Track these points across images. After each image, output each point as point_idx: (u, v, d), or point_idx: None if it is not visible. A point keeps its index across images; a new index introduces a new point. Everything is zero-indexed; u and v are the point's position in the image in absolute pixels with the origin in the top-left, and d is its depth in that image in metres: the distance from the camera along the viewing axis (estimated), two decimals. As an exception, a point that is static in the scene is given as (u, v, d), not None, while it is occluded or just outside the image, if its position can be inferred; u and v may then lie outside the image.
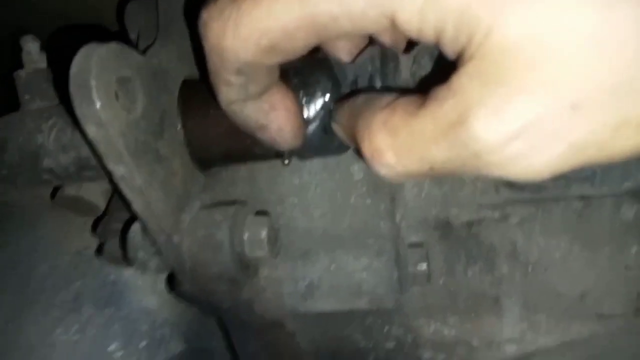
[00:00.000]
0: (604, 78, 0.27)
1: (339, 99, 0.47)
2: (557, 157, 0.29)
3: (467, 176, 0.57)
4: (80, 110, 0.37)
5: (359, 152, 0.38)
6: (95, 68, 0.37)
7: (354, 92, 0.48)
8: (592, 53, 0.27)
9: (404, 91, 0.38)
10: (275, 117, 0.44)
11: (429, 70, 0.48)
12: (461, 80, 0.30)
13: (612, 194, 0.55)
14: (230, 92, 0.40)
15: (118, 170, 0.41)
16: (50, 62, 0.59)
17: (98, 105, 0.37)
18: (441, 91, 0.31)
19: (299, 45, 0.35)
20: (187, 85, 0.51)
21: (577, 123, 0.28)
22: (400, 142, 0.33)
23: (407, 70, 0.49)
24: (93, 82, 0.37)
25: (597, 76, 0.27)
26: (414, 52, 0.50)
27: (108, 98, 0.38)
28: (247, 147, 0.51)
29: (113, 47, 0.40)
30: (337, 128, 0.46)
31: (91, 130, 0.38)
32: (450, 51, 0.32)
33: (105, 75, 0.38)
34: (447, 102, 0.30)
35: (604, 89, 0.27)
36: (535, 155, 0.29)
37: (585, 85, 0.27)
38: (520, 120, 0.28)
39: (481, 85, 0.29)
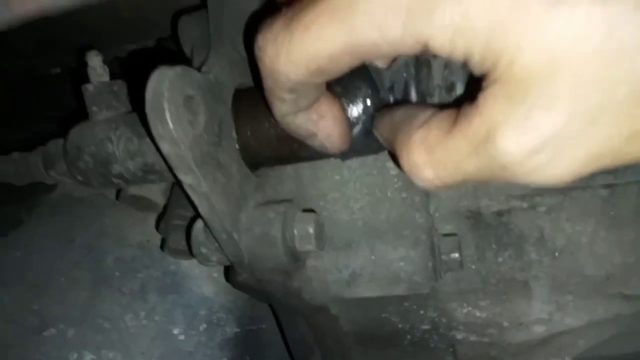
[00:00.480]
0: (617, 91, 0.30)
1: (379, 109, 0.52)
2: (577, 165, 0.33)
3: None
4: (155, 130, 0.43)
5: (395, 160, 0.43)
6: (167, 92, 0.43)
7: (394, 104, 0.52)
8: (603, 67, 0.30)
9: (439, 106, 0.42)
10: (324, 125, 0.48)
11: (460, 74, 0.51)
12: (487, 100, 0.34)
13: (636, 181, 0.58)
14: (283, 107, 0.45)
15: (187, 179, 0.47)
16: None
17: (171, 125, 0.43)
18: (470, 110, 0.35)
19: (343, 67, 0.40)
20: (238, 95, 0.56)
21: (594, 134, 0.31)
22: (436, 159, 0.37)
23: (440, 75, 0.52)
24: (166, 105, 0.42)
25: (610, 89, 0.30)
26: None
27: (179, 118, 0.44)
28: (295, 151, 0.56)
29: (179, 70, 0.45)
30: (378, 135, 0.51)
31: (165, 147, 0.44)
32: (477, 71, 0.35)
33: (175, 97, 0.44)
34: (476, 120, 0.34)
35: (617, 102, 0.30)
36: (557, 165, 0.33)
37: (600, 98, 0.30)
38: (542, 135, 0.32)
39: (505, 104, 0.32)
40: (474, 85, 0.36)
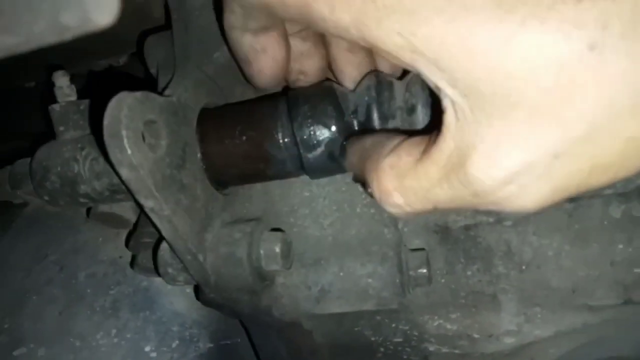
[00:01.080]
0: (575, 127, 0.31)
1: (346, 134, 0.52)
2: (544, 198, 0.34)
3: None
4: (114, 156, 0.43)
5: (365, 188, 0.43)
6: (125, 118, 0.43)
7: (358, 128, 0.53)
8: (559, 103, 0.30)
9: (408, 133, 0.42)
10: (261, 58, 0.49)
11: (421, 97, 0.52)
12: (455, 125, 0.34)
13: (599, 195, 0.59)
14: (231, 17, 0.46)
15: (148, 203, 0.47)
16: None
17: (129, 151, 0.42)
18: (440, 137, 0.35)
19: (289, 17, 0.40)
20: (204, 114, 0.56)
21: (558, 169, 0.32)
22: (406, 185, 0.38)
23: (401, 98, 0.53)
24: (124, 132, 0.42)
25: (568, 125, 0.31)
26: (406, 80, 0.54)
27: (137, 143, 0.44)
28: (261, 170, 0.56)
29: (139, 96, 0.45)
30: (347, 164, 0.51)
31: (124, 173, 0.44)
32: (430, 85, 0.35)
33: (134, 123, 0.44)
34: (446, 147, 0.35)
35: (576, 138, 0.31)
36: (525, 196, 0.34)
37: (563, 135, 0.31)
38: (512, 167, 0.32)
39: (474, 132, 0.33)
40: (438, 109, 0.36)
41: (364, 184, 0.43)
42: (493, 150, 0.32)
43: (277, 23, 0.46)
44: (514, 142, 0.32)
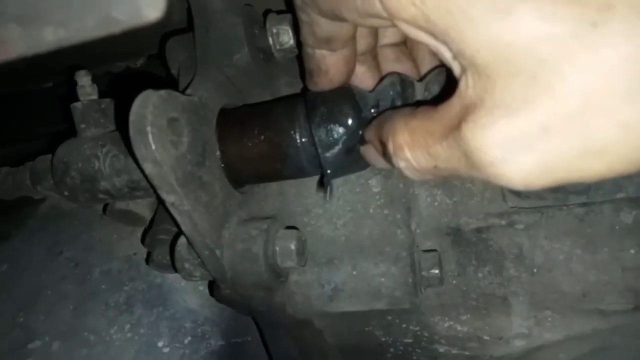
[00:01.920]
0: (569, 102, 0.31)
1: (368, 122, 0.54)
2: (528, 171, 0.34)
3: (463, 179, 0.63)
4: (139, 152, 0.44)
5: (385, 155, 0.44)
6: (150, 115, 0.44)
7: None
8: (556, 77, 0.30)
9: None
10: (322, 77, 0.52)
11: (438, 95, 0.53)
12: (461, 91, 0.36)
13: (610, 200, 0.60)
14: (305, 34, 0.49)
15: (169, 198, 0.48)
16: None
17: (154, 147, 0.44)
18: (448, 101, 0.37)
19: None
20: (223, 115, 0.57)
21: (547, 144, 0.32)
22: (415, 140, 0.40)
23: (421, 96, 0.54)
24: (149, 128, 0.44)
25: (563, 100, 0.31)
26: (426, 81, 0.55)
27: (161, 140, 0.45)
28: (277, 169, 0.57)
29: (163, 93, 0.47)
30: (363, 148, 0.52)
31: (148, 168, 0.45)
32: (444, 59, 0.37)
33: (158, 120, 0.45)
34: (451, 108, 0.37)
35: (569, 113, 0.31)
36: (509, 165, 0.34)
37: (553, 109, 0.31)
38: (499, 133, 0.33)
39: (474, 98, 0.34)
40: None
41: (383, 149, 0.45)
42: (486, 115, 0.33)
43: (346, 43, 0.49)
44: (506, 109, 0.32)
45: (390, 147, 0.42)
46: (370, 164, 0.55)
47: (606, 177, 0.33)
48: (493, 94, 0.33)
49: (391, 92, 0.54)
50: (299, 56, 0.57)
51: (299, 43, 0.53)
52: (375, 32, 0.52)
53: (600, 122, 0.30)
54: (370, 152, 0.52)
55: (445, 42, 0.35)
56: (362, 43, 0.51)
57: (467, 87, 0.35)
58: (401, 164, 0.42)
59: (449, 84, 0.41)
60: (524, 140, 0.32)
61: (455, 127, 0.35)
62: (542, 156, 0.33)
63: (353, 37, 0.49)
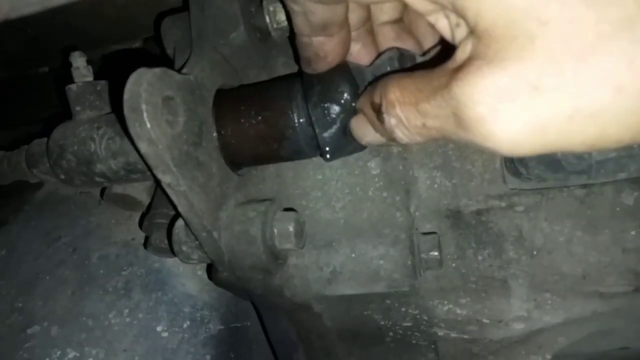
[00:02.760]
0: (564, 66, 0.30)
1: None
2: (516, 129, 0.33)
3: (460, 154, 0.63)
4: (133, 130, 0.44)
5: (378, 117, 0.44)
6: (144, 93, 0.43)
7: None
8: (555, 39, 0.30)
9: None
10: (321, 62, 0.52)
11: None
12: (456, 55, 0.36)
13: (612, 182, 0.59)
14: (299, 23, 0.48)
15: (165, 178, 0.47)
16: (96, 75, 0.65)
17: (149, 125, 0.43)
18: (442, 64, 0.38)
19: None
20: (220, 95, 0.57)
21: (536, 102, 0.32)
22: (405, 96, 0.40)
23: None
24: (143, 106, 0.43)
25: (557, 62, 0.31)
26: (428, 55, 0.54)
27: (156, 118, 0.44)
28: (275, 150, 0.56)
29: (157, 71, 0.46)
30: (353, 121, 0.52)
31: (143, 147, 0.45)
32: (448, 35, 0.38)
33: (153, 98, 0.44)
34: (444, 70, 0.37)
35: (562, 74, 0.31)
36: (496, 122, 0.33)
37: (548, 67, 0.31)
38: (486, 88, 0.33)
39: (467, 59, 0.35)
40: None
41: (376, 112, 0.45)
42: (475, 71, 0.34)
43: (342, 26, 0.49)
44: (497, 67, 0.32)
45: (384, 104, 0.42)
46: (359, 140, 0.53)
47: (600, 146, 0.33)
48: (486, 54, 0.33)
49: (388, 68, 0.53)
50: (292, 43, 0.56)
51: (292, 32, 0.52)
52: (366, 6, 0.51)
53: (594, 84, 0.30)
54: (359, 124, 0.51)
55: (447, 7, 0.35)
56: (354, 18, 0.50)
57: (464, 52, 0.35)
58: (392, 122, 0.42)
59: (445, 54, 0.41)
60: (513, 96, 0.32)
61: (445, 86, 0.36)
62: (531, 115, 0.32)
63: (347, 18, 0.49)
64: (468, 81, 0.34)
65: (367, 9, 0.52)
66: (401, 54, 0.53)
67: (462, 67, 0.35)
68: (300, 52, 0.53)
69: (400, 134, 0.42)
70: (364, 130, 0.50)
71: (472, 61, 0.34)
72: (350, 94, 0.52)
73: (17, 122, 1.03)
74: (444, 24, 0.38)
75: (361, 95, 0.51)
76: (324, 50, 0.51)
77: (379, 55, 0.55)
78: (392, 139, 0.45)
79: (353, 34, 0.52)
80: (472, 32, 0.34)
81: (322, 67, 0.53)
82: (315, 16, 0.46)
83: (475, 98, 0.34)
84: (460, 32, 0.36)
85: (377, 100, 0.44)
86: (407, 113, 0.40)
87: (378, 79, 0.52)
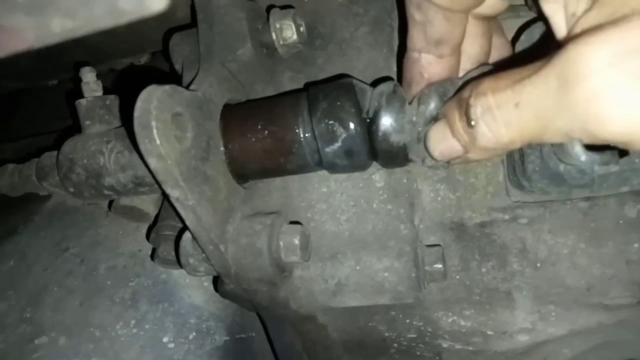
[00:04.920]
0: None
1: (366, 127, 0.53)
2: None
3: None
4: (143, 146, 0.45)
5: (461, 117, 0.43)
6: (155, 110, 0.44)
7: (369, 123, 0.54)
8: None
9: None
10: (420, 82, 0.51)
11: (432, 109, 0.51)
12: (571, 30, 0.34)
13: (615, 194, 0.59)
14: (414, 37, 0.49)
15: (174, 193, 0.48)
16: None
17: (158, 142, 0.44)
18: (547, 64, 0.34)
19: None
20: (227, 110, 0.58)
21: None
22: (501, 81, 0.38)
23: (414, 110, 0.52)
24: (154, 123, 0.44)
25: None
26: (419, 94, 0.53)
27: (165, 134, 0.45)
28: (281, 164, 0.57)
29: (167, 89, 0.47)
30: (434, 128, 0.49)
31: (152, 162, 0.45)
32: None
33: (163, 114, 0.45)
34: (546, 59, 0.34)
35: None
36: (613, 96, 0.29)
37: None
38: (609, 48, 0.29)
39: (585, 29, 0.32)
40: None
41: (463, 109, 0.42)
42: (596, 32, 0.30)
43: (455, 50, 0.49)
44: (622, 25, 0.29)
45: (472, 96, 0.40)
46: (432, 152, 0.51)
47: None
48: (614, 13, 0.30)
49: (375, 103, 0.53)
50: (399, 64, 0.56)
51: (400, 51, 0.52)
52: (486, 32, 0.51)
53: None
54: (437, 131, 0.48)
55: None
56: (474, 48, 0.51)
57: (581, 25, 0.32)
58: (478, 111, 0.40)
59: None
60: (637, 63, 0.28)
61: (552, 58, 0.32)
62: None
63: (461, 43, 0.48)
64: (586, 41, 0.30)
65: (487, 39, 0.51)
66: (394, 90, 0.54)
67: (580, 34, 0.32)
68: (405, 72, 0.52)
69: (484, 128, 0.40)
70: (440, 136, 0.48)
71: (592, 28, 0.31)
72: (352, 115, 0.53)
73: (27, 134, 1.04)
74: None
75: (448, 102, 0.49)
76: (430, 71, 0.50)
77: (377, 83, 0.56)
78: (469, 143, 0.43)
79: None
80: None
81: (417, 90, 0.52)
82: (434, 28, 0.46)
83: (593, 63, 0.29)
84: (581, 6, 0.33)
85: (465, 95, 0.42)
86: (500, 96, 0.37)
87: (371, 110, 0.54)
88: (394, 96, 0.53)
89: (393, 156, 0.54)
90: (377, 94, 0.53)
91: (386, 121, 0.52)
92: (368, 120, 0.53)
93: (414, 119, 0.52)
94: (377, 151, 0.54)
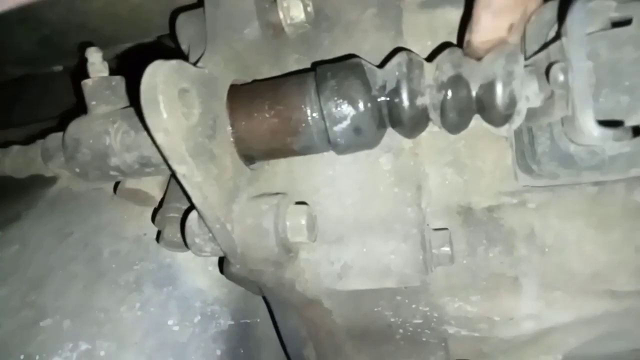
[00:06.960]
0: None
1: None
2: None
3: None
4: (150, 120, 0.44)
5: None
6: (161, 84, 0.44)
7: (385, 102, 0.54)
8: None
9: None
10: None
11: (450, 74, 0.52)
12: None
13: (623, 179, 0.59)
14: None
15: (181, 169, 0.48)
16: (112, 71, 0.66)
17: (165, 116, 0.44)
18: None
19: None
20: (233, 90, 0.57)
21: None
22: None
23: (431, 76, 0.54)
24: (160, 97, 0.44)
25: None
26: (437, 60, 0.55)
27: (172, 109, 0.45)
28: (287, 144, 0.57)
29: (174, 63, 0.47)
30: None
31: (159, 137, 0.45)
32: None
33: (169, 89, 0.45)
34: None
35: None
36: None
37: None
38: None
39: None
40: None
41: None
42: None
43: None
44: None
45: None
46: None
47: None
48: None
49: (397, 73, 0.53)
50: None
51: None
52: None
53: None
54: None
55: None
56: None
57: None
58: None
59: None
60: None
61: None
62: None
63: None
64: None
65: None
66: (410, 59, 0.54)
67: None
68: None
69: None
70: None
71: None
72: (362, 93, 0.53)
73: (31, 120, 1.04)
74: None
75: None
76: None
77: (389, 58, 0.56)
78: None
79: None
80: None
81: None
82: None
83: None
84: None
85: None
86: None
87: (387, 88, 0.54)
88: (412, 63, 0.53)
89: (418, 120, 0.55)
90: (394, 65, 0.53)
91: (412, 87, 0.53)
92: (385, 94, 0.54)
93: (432, 82, 0.53)
94: (402, 120, 0.55)
